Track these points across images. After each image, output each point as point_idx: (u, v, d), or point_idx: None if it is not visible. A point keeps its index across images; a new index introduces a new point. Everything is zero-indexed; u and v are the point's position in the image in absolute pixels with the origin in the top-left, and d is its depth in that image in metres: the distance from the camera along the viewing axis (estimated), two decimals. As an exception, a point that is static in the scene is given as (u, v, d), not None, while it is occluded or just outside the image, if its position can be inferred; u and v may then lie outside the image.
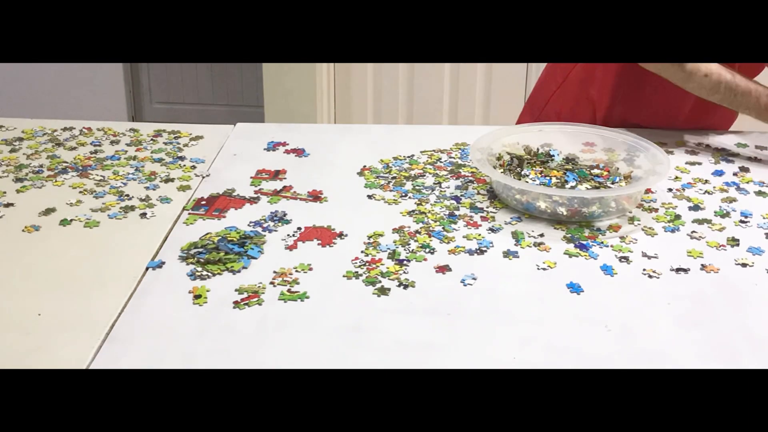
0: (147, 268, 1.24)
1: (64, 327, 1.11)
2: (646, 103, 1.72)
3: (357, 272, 1.23)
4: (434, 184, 1.51)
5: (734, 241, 1.33)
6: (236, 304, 1.16)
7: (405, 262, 1.26)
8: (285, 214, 1.40)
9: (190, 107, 3.86)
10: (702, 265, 1.27)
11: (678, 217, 1.41)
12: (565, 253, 1.29)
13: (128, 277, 1.22)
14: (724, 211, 1.43)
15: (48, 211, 1.41)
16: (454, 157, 1.62)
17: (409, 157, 1.62)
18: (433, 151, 1.65)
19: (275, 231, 1.35)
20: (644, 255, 1.29)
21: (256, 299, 1.17)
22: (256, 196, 1.47)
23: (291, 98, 3.18)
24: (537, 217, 1.39)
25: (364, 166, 1.58)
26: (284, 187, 1.50)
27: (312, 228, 1.36)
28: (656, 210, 1.42)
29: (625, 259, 1.28)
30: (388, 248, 1.30)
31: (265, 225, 1.37)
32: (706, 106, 1.63)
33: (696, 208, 1.44)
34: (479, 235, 1.34)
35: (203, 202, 1.44)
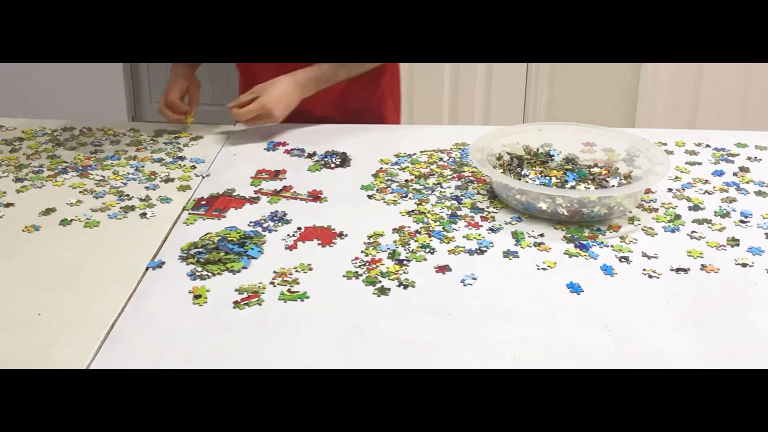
0: (147, 268, 1.24)
1: (64, 327, 1.11)
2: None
3: (357, 272, 1.23)
4: (434, 184, 1.51)
5: (734, 241, 1.33)
6: (236, 304, 1.16)
7: (405, 262, 1.26)
8: (285, 214, 1.40)
9: (190, 107, 3.85)
10: (702, 265, 1.27)
11: (678, 217, 1.40)
12: (565, 253, 1.29)
13: (128, 277, 1.22)
14: (724, 211, 1.43)
15: (48, 211, 1.41)
16: (454, 157, 1.62)
17: (409, 156, 1.62)
18: (433, 151, 1.65)
19: (275, 231, 1.35)
20: (644, 255, 1.29)
21: (256, 299, 1.17)
22: (256, 196, 1.47)
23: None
24: (537, 217, 1.39)
25: (366, 167, 1.58)
26: (284, 187, 1.50)
27: (312, 228, 1.36)
28: (656, 210, 1.42)
29: (625, 259, 1.28)
30: (388, 248, 1.30)
31: (265, 225, 1.37)
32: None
33: (696, 208, 1.44)
34: (479, 235, 1.34)
35: (203, 202, 1.44)
